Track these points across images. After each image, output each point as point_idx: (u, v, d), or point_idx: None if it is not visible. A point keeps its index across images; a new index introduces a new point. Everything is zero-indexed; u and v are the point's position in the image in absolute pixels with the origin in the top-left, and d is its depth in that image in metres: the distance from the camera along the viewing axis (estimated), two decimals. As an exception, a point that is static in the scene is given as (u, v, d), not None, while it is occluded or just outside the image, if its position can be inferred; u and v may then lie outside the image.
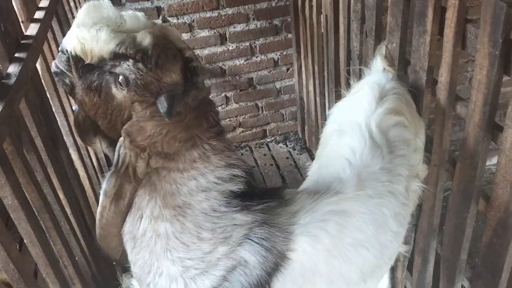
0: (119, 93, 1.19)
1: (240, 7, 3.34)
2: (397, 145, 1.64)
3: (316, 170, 1.79)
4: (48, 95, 1.87)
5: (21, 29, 1.62)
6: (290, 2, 3.37)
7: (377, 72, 1.92)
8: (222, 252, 1.26)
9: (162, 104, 1.17)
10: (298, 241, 1.31)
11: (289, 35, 3.55)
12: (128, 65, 1.14)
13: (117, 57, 1.15)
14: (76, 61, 1.19)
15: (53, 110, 1.89)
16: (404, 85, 1.83)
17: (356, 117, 1.70)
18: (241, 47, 3.51)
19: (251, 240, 1.26)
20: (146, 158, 1.26)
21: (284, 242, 1.30)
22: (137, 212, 1.31)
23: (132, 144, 1.24)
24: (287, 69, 3.72)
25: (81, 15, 1.16)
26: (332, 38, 2.68)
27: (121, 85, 1.16)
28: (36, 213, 1.43)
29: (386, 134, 1.65)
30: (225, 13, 3.34)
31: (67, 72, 1.23)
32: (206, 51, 3.46)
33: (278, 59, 3.65)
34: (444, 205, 1.96)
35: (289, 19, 3.47)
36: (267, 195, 1.36)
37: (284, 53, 3.63)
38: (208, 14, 3.32)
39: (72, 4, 2.56)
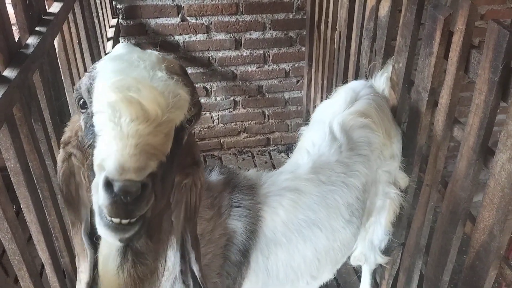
0: None
1: (258, 15, 3.42)
2: (360, 145, 1.77)
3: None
4: (62, 73, 1.93)
5: (45, 6, 1.68)
6: (307, 16, 3.44)
7: (358, 81, 2.05)
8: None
9: None
10: (259, 209, 1.42)
11: (303, 48, 3.61)
12: None
13: None
14: None
15: (65, 88, 1.95)
16: (378, 93, 1.94)
17: (325, 116, 1.88)
18: (254, 54, 3.58)
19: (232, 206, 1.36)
20: None
21: (256, 204, 1.45)
22: None
23: None
24: (297, 81, 3.78)
25: None
26: (343, 55, 2.73)
27: None
28: (36, 181, 1.48)
29: (350, 133, 1.79)
30: (243, 19, 3.42)
31: None
32: (220, 54, 3.53)
33: (290, 70, 3.71)
34: (432, 226, 2.00)
35: (304, 33, 3.54)
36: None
37: (296, 65, 3.70)
38: (227, 18, 3.40)
39: (96, -8, 2.64)
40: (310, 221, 1.57)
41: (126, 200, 0.82)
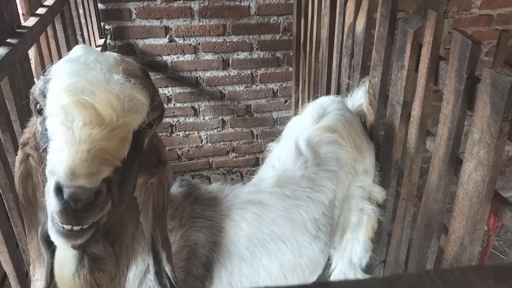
0: None
1: (245, 36, 3.46)
2: (327, 161, 1.75)
3: None
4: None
5: (19, 20, 1.71)
6: (293, 37, 3.48)
7: (327, 96, 2.06)
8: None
9: None
10: (221, 220, 1.40)
11: (290, 69, 3.64)
12: None
13: None
14: None
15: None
16: (347, 108, 1.95)
17: (292, 133, 1.88)
18: (242, 74, 3.61)
19: (194, 218, 1.34)
20: None
21: (217, 215, 1.43)
22: None
23: None
24: (285, 101, 3.79)
25: None
26: (325, 72, 2.76)
27: None
28: (1, 191, 1.47)
29: (316, 148, 1.78)
30: (230, 40, 3.46)
31: None
32: (208, 74, 3.56)
33: (278, 90, 3.73)
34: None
35: (291, 53, 3.58)
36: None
37: (284, 85, 3.72)
38: (214, 39, 3.44)
39: (81, 11, 2.69)
40: (274, 236, 1.54)
41: (76, 207, 0.81)
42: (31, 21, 1.77)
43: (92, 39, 2.94)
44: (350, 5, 2.24)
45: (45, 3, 2.00)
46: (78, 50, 1.03)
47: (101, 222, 0.87)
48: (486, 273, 0.37)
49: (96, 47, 2.99)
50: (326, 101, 2.00)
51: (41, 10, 1.90)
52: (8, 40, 1.54)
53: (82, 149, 0.82)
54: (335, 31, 2.55)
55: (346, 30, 2.33)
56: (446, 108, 1.50)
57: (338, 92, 2.60)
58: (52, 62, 2.07)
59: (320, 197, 1.69)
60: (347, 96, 2.39)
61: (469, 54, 1.35)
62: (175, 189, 1.46)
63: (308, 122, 1.88)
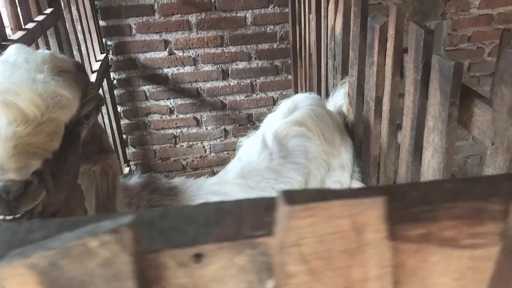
0: None
1: (243, 46, 3.54)
2: (295, 154, 1.77)
3: None
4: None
5: (5, 34, 1.81)
6: (290, 45, 3.54)
7: (301, 94, 2.10)
8: None
9: None
10: None
11: (289, 76, 3.69)
12: None
13: None
14: None
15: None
16: (321, 103, 1.97)
17: (263, 128, 1.91)
18: (242, 84, 3.67)
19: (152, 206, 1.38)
20: None
21: (176, 204, 1.48)
22: None
23: None
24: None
25: None
26: (315, 75, 2.79)
27: None
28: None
29: (284, 141, 1.80)
30: (228, 50, 3.54)
31: None
32: (208, 84, 3.64)
33: (278, 98, 3.77)
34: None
35: (289, 61, 3.63)
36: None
37: (284, 93, 3.76)
38: (212, 50, 3.53)
39: (79, 27, 2.82)
40: None
41: (9, 198, 0.88)
42: (17, 35, 1.88)
43: (92, 54, 3.06)
44: (331, 7, 2.27)
45: (35, 19, 2.12)
46: (11, 50, 1.10)
47: (36, 210, 0.93)
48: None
49: (97, 61, 3.12)
50: (298, 98, 2.04)
51: (30, 25, 2.01)
52: (-10, 51, 1.64)
53: (9, 146, 0.89)
54: (321, 34, 2.59)
55: (328, 32, 2.37)
56: (408, 99, 1.51)
57: (327, 94, 2.63)
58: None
59: (285, 188, 1.71)
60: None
61: (423, 43, 1.36)
62: (135, 179, 1.52)
63: (278, 117, 1.91)
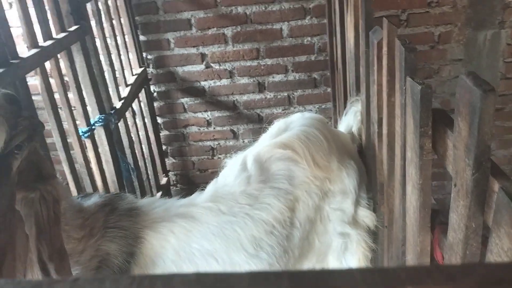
0: None
1: (279, 59, 3.46)
2: (277, 178, 1.65)
3: None
4: (46, 112, 2.15)
5: (15, 52, 1.90)
6: (329, 57, 3.39)
7: (301, 113, 1.96)
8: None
9: None
10: (146, 234, 1.40)
11: (328, 89, 3.54)
12: None
13: None
14: None
15: (50, 126, 2.16)
16: (318, 124, 1.81)
17: (248, 149, 1.81)
18: (278, 97, 3.59)
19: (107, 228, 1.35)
20: None
21: (135, 225, 1.42)
22: None
23: None
24: (326, 122, 3.67)
25: None
26: (342, 91, 2.63)
27: None
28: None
29: (266, 165, 1.67)
30: (264, 63, 3.48)
31: None
32: (244, 97, 3.60)
33: (316, 111, 3.63)
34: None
35: (328, 74, 3.48)
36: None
37: (323, 106, 3.62)
38: (248, 63, 3.49)
39: (113, 42, 2.92)
40: (204, 251, 1.50)
41: None
42: (30, 53, 1.97)
43: (128, 68, 3.16)
44: (349, 20, 2.13)
45: (55, 36, 2.21)
46: None
47: None
48: None
49: (133, 75, 3.21)
50: (293, 117, 1.92)
51: (46, 43, 2.11)
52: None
53: None
54: (345, 47, 2.44)
55: (347, 46, 2.22)
56: (397, 124, 1.34)
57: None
58: (64, 90, 2.28)
59: (261, 215, 1.60)
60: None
61: (404, 63, 1.20)
62: (94, 199, 1.50)
63: (265, 139, 1.81)
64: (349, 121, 2.02)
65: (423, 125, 1.04)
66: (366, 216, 1.81)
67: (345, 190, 1.76)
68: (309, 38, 3.39)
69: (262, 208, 1.61)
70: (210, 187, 1.69)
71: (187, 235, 1.50)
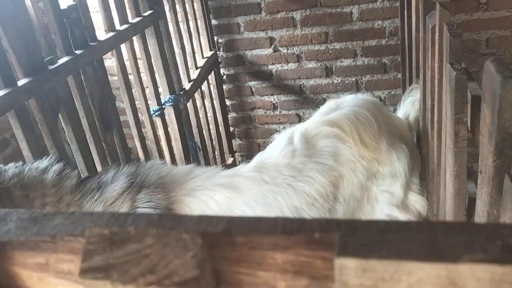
0: None
1: (348, 43, 3.42)
2: (322, 154, 1.67)
3: None
4: (121, 92, 2.36)
5: (95, 35, 2.10)
6: (400, 41, 3.29)
7: (355, 94, 1.95)
8: None
9: None
10: (183, 200, 1.47)
11: (399, 75, 3.44)
12: None
13: None
14: None
15: (124, 104, 2.37)
16: (370, 105, 1.78)
17: (297, 126, 1.86)
18: (346, 82, 3.56)
19: (137, 208, 1.45)
20: None
21: (165, 199, 1.50)
22: None
23: None
24: (394, 110, 3.57)
25: None
26: (407, 76, 2.56)
27: None
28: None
29: (313, 141, 1.71)
30: (332, 47, 3.46)
31: None
32: (311, 82, 3.62)
33: (385, 97, 3.56)
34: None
35: (399, 59, 3.38)
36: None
37: (392, 92, 3.53)
38: (316, 47, 3.49)
39: (185, 27, 3.08)
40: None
41: None
42: (107, 36, 2.17)
43: (198, 51, 3.31)
44: (413, 3, 2.07)
45: (131, 21, 2.40)
46: None
47: None
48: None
49: (203, 58, 3.36)
50: (346, 98, 1.91)
51: (122, 27, 2.30)
52: (76, 51, 1.94)
53: None
54: (411, 32, 2.37)
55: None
56: (443, 111, 1.32)
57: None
58: (137, 72, 2.47)
59: (303, 187, 1.63)
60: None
61: (449, 48, 1.18)
62: (119, 183, 1.55)
63: (315, 117, 1.83)
64: (407, 108, 1.99)
65: (458, 111, 1.02)
66: (417, 201, 1.78)
67: (394, 173, 1.75)
68: (380, 22, 3.31)
69: (304, 181, 1.65)
70: (255, 159, 1.77)
71: (229, 202, 1.58)
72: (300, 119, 3.77)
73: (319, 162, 1.69)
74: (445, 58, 1.25)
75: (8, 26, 1.58)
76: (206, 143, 3.43)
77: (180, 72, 2.95)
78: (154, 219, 0.37)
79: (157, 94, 2.69)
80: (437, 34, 1.40)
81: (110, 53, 2.24)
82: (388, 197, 1.76)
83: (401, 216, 1.77)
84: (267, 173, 1.65)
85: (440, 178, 1.58)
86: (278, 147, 1.75)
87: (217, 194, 1.58)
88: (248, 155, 4.02)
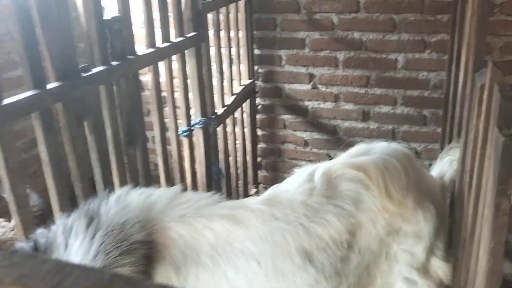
0: None
1: (389, 90, 3.33)
2: (343, 197, 1.57)
3: None
4: (151, 107, 2.34)
5: (134, 49, 2.10)
6: (444, 95, 3.16)
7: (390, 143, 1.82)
8: None
9: None
10: (168, 226, 1.39)
11: (438, 129, 3.30)
12: None
13: None
14: None
15: (152, 119, 2.34)
16: (401, 157, 1.67)
17: (321, 164, 1.73)
18: (382, 129, 3.44)
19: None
20: None
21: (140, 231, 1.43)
22: None
23: None
24: (430, 164, 3.42)
25: None
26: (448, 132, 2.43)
27: None
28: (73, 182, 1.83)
29: (335, 182, 1.60)
30: (372, 92, 3.37)
31: None
32: (346, 124, 3.53)
33: (422, 151, 3.41)
34: None
35: (440, 113, 3.25)
36: None
37: (429, 146, 3.38)
38: (356, 90, 3.41)
39: (226, 52, 3.07)
40: (248, 254, 1.46)
41: None
42: (146, 51, 2.16)
43: (237, 78, 3.30)
44: (462, 58, 1.97)
45: (172, 40, 2.40)
46: None
47: None
48: None
49: (240, 85, 3.34)
50: (377, 145, 1.80)
51: (163, 45, 2.30)
52: (112, 63, 1.94)
53: None
54: (457, 87, 2.26)
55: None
56: (484, 178, 1.20)
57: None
58: (172, 90, 2.46)
59: (316, 229, 1.51)
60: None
61: (499, 110, 1.07)
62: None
63: (343, 158, 1.73)
64: (443, 167, 1.86)
65: (502, 182, 0.91)
66: (440, 268, 1.64)
67: (419, 233, 1.61)
68: (425, 73, 3.20)
69: (319, 223, 1.53)
70: (269, 191, 1.67)
71: (228, 235, 1.48)
72: (330, 159, 3.66)
73: (337, 205, 1.57)
74: (492, 120, 1.14)
75: (48, 27, 1.59)
76: (231, 170, 3.36)
77: (215, 96, 2.92)
78: (104, 279, 0.29)
79: (188, 115, 2.66)
80: (486, 93, 1.30)
81: (147, 68, 2.23)
82: (409, 258, 1.62)
83: (421, 282, 1.62)
84: (278, 208, 1.55)
85: (472, 249, 1.44)
86: (296, 182, 1.65)
87: (214, 223, 1.49)
88: (271, 189, 3.92)
